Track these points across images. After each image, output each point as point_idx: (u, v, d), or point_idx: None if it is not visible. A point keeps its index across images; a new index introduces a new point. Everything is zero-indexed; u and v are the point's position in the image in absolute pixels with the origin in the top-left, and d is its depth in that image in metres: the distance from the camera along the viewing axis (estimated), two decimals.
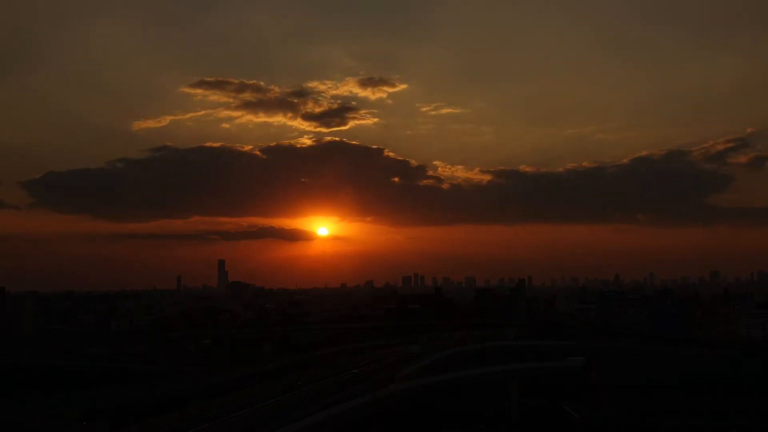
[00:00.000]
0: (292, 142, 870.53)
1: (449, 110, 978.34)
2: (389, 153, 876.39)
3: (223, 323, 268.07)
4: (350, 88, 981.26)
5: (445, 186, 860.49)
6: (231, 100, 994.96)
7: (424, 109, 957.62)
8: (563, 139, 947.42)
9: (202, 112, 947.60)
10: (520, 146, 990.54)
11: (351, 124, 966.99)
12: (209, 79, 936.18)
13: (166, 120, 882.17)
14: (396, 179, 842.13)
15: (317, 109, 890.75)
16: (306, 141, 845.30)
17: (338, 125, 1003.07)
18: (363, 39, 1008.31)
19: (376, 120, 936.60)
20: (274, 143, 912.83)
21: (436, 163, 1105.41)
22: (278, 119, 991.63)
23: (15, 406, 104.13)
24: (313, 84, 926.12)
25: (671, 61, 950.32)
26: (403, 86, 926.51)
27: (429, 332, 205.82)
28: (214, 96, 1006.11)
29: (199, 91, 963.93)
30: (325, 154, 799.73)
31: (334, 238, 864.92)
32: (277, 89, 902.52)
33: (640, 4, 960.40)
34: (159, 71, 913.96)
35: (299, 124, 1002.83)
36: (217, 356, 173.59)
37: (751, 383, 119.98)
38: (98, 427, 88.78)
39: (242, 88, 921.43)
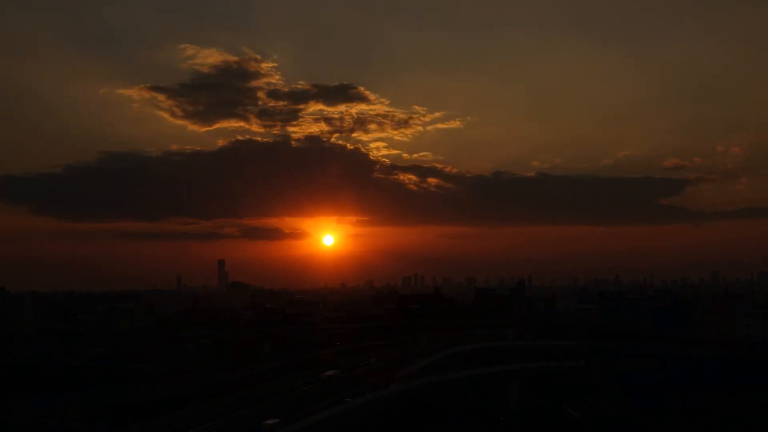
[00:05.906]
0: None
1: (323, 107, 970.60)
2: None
3: (223, 323, 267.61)
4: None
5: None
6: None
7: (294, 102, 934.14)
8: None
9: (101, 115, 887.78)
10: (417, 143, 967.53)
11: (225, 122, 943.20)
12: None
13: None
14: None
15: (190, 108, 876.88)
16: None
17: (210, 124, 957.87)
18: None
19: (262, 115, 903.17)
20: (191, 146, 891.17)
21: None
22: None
23: (15, 406, 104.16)
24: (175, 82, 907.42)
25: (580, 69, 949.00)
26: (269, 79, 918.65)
27: (429, 332, 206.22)
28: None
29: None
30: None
31: (333, 239, 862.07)
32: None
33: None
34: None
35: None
36: (217, 356, 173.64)
37: (750, 383, 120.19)
38: (98, 427, 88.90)
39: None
